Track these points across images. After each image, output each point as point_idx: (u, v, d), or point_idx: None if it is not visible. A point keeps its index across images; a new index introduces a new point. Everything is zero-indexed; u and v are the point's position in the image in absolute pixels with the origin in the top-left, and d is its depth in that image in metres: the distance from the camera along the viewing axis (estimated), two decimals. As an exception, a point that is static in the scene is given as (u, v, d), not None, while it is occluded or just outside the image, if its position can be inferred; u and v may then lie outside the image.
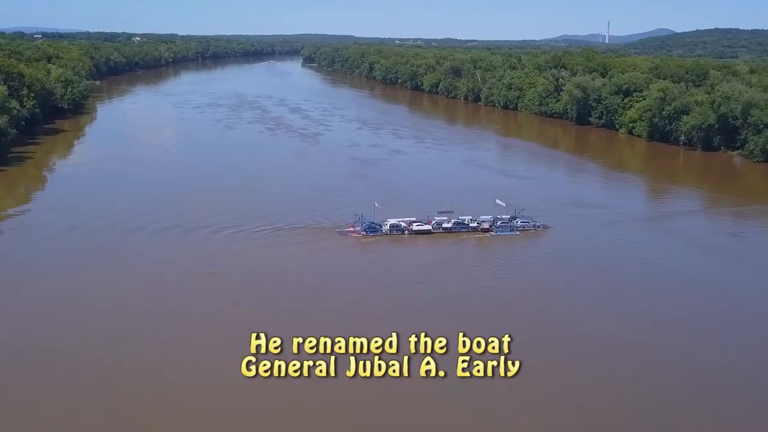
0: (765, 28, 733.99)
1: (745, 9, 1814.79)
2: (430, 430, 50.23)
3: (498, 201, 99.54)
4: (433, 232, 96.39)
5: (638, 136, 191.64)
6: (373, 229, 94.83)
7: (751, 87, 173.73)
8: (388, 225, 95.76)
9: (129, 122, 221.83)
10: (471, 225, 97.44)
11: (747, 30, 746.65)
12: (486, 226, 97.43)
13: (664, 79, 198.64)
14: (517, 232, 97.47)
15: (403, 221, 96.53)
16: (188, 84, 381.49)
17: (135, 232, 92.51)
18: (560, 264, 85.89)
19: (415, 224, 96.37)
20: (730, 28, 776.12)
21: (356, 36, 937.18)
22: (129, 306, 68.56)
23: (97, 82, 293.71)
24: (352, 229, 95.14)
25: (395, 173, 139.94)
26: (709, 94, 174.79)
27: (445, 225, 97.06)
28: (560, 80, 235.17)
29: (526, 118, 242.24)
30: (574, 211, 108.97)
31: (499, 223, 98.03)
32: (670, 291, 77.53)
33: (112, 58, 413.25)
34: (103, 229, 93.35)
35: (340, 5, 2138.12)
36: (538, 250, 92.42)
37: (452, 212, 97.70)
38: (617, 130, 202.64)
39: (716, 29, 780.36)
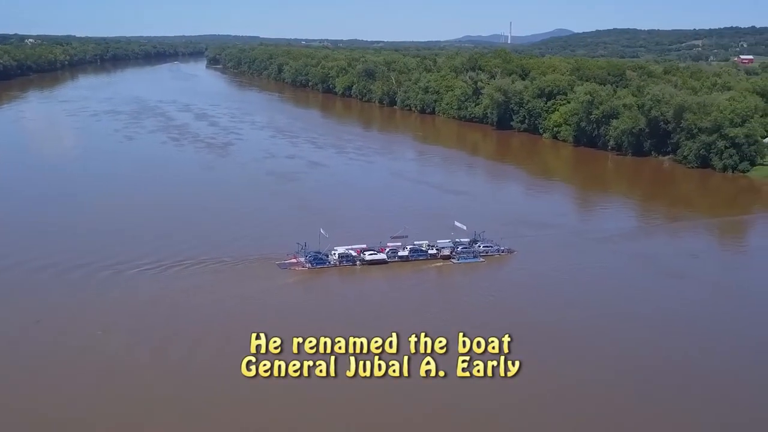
0: (661, 29, 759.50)
1: (641, 10, 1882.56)
2: (430, 430, 50.06)
3: (457, 223, 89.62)
4: (388, 262, 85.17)
5: (563, 140, 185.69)
6: (319, 260, 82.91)
7: (679, 89, 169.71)
8: (337, 255, 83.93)
9: (17, 134, 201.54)
10: (429, 252, 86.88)
11: (644, 30, 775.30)
12: (446, 252, 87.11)
13: (586, 81, 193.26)
14: (482, 259, 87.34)
15: (352, 249, 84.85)
16: (86, 89, 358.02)
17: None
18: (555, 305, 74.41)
19: (367, 253, 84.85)
20: (628, 29, 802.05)
21: (261, 37, 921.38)
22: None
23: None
24: (294, 260, 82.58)
25: (320, 190, 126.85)
26: (636, 96, 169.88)
27: (401, 253, 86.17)
28: (479, 83, 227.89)
29: (445, 122, 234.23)
30: (526, 232, 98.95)
31: (460, 248, 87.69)
32: (660, 301, 76.38)
33: (2, 61, 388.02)
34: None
35: (244, 5, 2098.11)
36: (511, 279, 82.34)
37: (407, 237, 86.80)
38: (541, 134, 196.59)
39: (615, 29, 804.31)
